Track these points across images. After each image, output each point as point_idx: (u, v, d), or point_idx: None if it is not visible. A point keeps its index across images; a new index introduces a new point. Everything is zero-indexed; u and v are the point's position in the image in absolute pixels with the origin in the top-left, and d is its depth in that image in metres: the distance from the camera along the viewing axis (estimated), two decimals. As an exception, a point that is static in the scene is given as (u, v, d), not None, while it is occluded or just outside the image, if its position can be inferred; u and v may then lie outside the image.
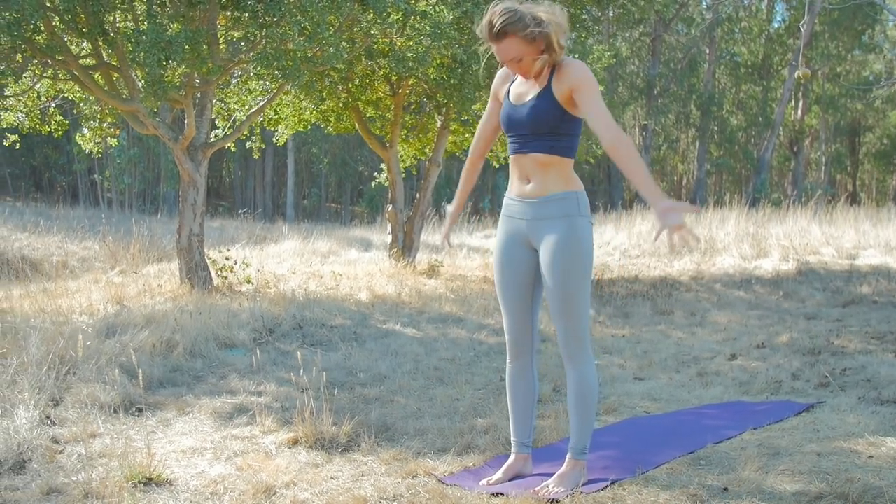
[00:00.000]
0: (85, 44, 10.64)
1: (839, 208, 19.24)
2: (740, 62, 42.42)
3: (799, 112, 41.70)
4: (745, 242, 15.86)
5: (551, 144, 3.98)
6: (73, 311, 9.28)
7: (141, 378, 5.16)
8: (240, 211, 27.58)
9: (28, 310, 9.26)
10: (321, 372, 6.24)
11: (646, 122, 39.34)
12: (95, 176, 36.98)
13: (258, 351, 7.59)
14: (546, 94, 3.96)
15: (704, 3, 41.74)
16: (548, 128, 3.96)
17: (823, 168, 46.28)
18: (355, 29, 11.11)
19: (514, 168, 4.14)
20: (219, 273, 11.34)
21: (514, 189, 4.15)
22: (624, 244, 17.92)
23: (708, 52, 40.36)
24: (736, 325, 10.00)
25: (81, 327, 7.79)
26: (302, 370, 6.32)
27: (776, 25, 41.38)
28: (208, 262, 11.33)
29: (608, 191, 41.63)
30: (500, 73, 4.28)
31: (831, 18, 36.74)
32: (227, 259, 11.49)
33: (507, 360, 4.35)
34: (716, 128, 41.60)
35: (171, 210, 32.33)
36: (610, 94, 36.43)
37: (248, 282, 11.43)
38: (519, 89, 4.10)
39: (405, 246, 14.02)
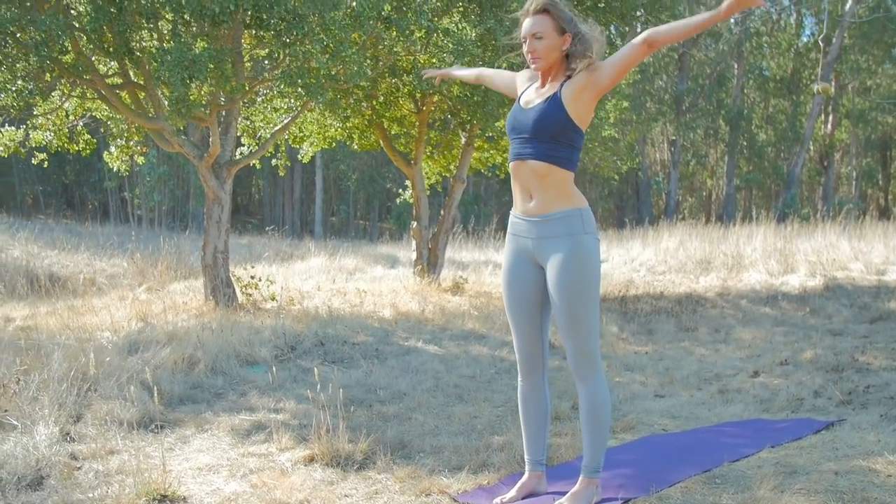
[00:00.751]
0: (112, 63, 10.75)
1: (869, 223, 19.08)
2: (769, 77, 42.23)
3: (829, 126, 41.44)
4: (773, 258, 15.76)
5: (549, 153, 3.99)
6: (97, 328, 9.36)
7: (156, 395, 5.21)
8: (267, 228, 27.68)
9: (53, 327, 9.34)
10: (340, 389, 6.26)
11: (674, 138, 39.21)
12: (125, 194, 37.30)
13: (279, 368, 7.62)
14: (554, 100, 4.01)
15: (732, 19, 41.61)
16: (549, 133, 3.99)
17: (854, 183, 45.94)
18: (379, 47, 11.17)
19: (514, 182, 4.17)
20: (243, 290, 11.40)
21: (518, 207, 4.18)
22: (650, 260, 17.85)
23: (736, 66, 40.22)
24: (760, 342, 9.93)
25: (104, 344, 7.85)
26: (318, 387, 6.35)
27: (805, 40, 41.18)
28: (233, 279, 11.39)
29: (637, 206, 41.52)
30: (523, 70, 4.39)
31: (861, 32, 36.52)
32: (251, 276, 11.55)
33: (519, 379, 4.35)
34: (745, 143, 41.40)
35: (199, 227, 32.53)
36: (638, 110, 36.36)
37: (273, 299, 11.48)
38: (530, 96, 4.17)
39: (430, 263, 14.03)
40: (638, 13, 13.67)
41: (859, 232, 18.28)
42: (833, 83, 39.05)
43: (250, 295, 11.38)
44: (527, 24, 4.06)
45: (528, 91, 4.23)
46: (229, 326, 8.93)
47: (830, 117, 41.41)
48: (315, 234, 37.55)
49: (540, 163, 4.01)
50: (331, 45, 9.69)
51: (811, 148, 41.55)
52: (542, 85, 4.14)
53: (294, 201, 44.67)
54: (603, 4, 13.16)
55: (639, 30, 14.64)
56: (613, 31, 15.05)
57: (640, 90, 37.11)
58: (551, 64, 4.07)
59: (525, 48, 4.08)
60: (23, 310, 11.33)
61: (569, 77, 4.03)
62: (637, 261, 18.17)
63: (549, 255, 4.05)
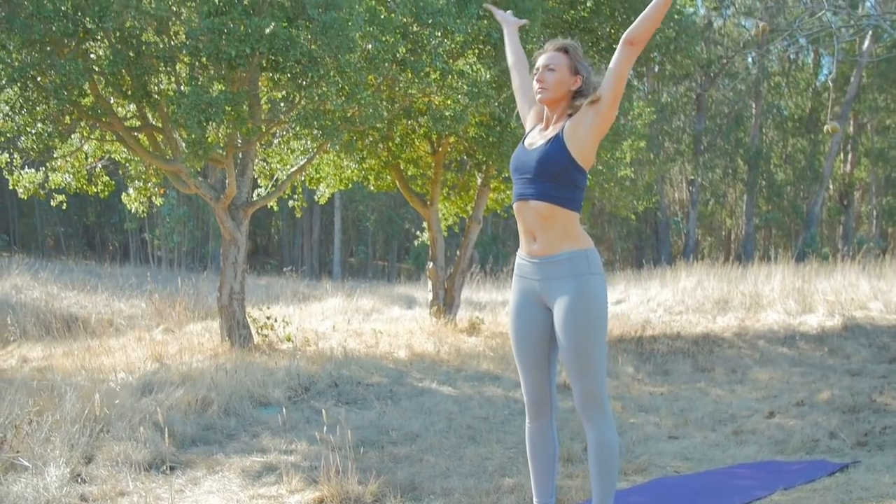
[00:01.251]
0: (130, 105, 10.87)
1: (889, 262, 18.95)
2: (787, 116, 42.21)
3: (848, 165, 41.32)
4: (791, 298, 15.67)
5: (551, 193, 4.01)
6: (113, 368, 9.40)
7: (167, 436, 5.22)
8: (284, 269, 27.76)
9: (69, 367, 9.39)
10: (353, 430, 6.26)
11: (692, 177, 39.17)
12: (146, 235, 37.51)
13: (293, 409, 7.62)
14: (556, 140, 4.03)
15: (750, 59, 41.74)
16: (551, 173, 4.01)
17: (874, 221, 45.70)
18: (395, 88, 11.25)
19: (519, 223, 4.20)
20: (259, 331, 11.42)
21: (524, 248, 4.20)
22: (668, 300, 17.77)
23: (754, 106, 40.21)
24: (777, 383, 9.87)
25: (118, 385, 7.87)
26: (326, 428, 6.34)
27: (822, 79, 41.19)
28: (249, 320, 11.42)
29: (655, 246, 41.41)
30: (534, 109, 4.40)
31: (879, 71, 36.49)
32: (267, 317, 11.58)
33: (527, 421, 4.33)
34: (764, 182, 41.32)
35: (218, 268, 32.57)
36: (656, 150, 36.39)
37: (289, 340, 11.50)
38: (534, 138, 4.21)
39: (446, 303, 14.03)
40: (653, 54, 13.74)
41: (879, 271, 18.15)
42: (852, 122, 39.04)
43: (266, 336, 11.41)
44: (542, 58, 4.16)
45: (533, 133, 4.27)
46: (244, 367, 8.94)
47: (850, 156, 41.29)
48: (333, 274, 37.61)
49: (542, 203, 4.03)
50: (346, 87, 9.78)
51: (831, 187, 41.42)
52: (546, 127, 4.19)
53: (313, 242, 44.80)
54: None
55: (656, 70, 14.71)
56: (630, 73, 15.13)
57: (657, 130, 37.15)
58: (557, 98, 4.11)
59: (535, 78, 4.16)
60: (40, 350, 11.38)
61: (570, 115, 4.07)
62: (655, 301, 18.10)
63: (555, 297, 4.05)
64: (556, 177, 4.01)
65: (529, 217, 4.10)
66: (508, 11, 4.87)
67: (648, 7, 3.94)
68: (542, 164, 4.03)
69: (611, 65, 3.95)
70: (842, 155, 41.14)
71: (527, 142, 4.24)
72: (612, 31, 13.07)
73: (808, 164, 40.88)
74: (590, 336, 3.98)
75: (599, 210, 37.14)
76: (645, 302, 18.05)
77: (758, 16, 36.93)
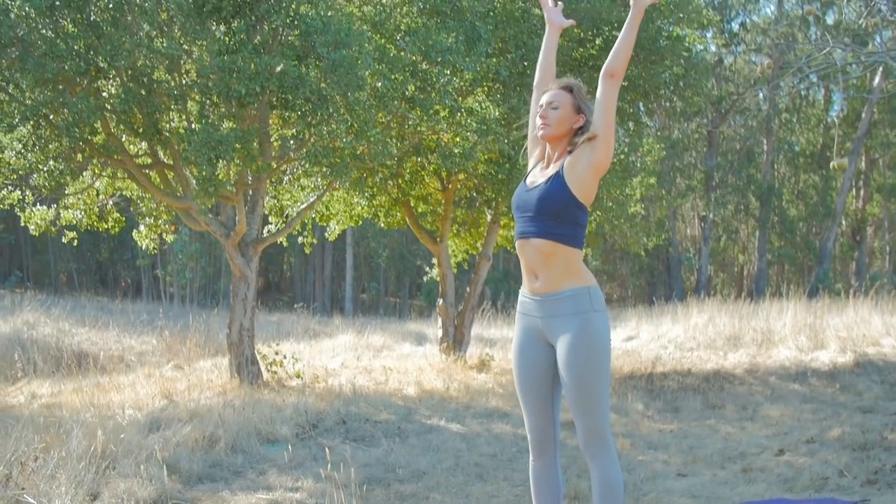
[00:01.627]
0: (142, 143, 10.95)
1: (901, 298, 18.85)
2: (799, 152, 42.21)
3: (860, 201, 41.26)
4: (803, 334, 15.59)
5: (553, 231, 4.03)
6: (121, 405, 9.40)
7: (172, 474, 5.20)
8: (295, 305, 27.78)
9: (78, 404, 9.40)
10: (360, 467, 6.24)
11: (704, 214, 39.16)
12: (158, 271, 37.63)
13: (301, 446, 7.61)
14: (557, 178, 4.07)
15: (761, 95, 41.82)
16: (552, 211, 4.03)
17: (888, 257, 45.54)
18: (405, 126, 11.31)
19: (521, 260, 4.21)
20: (268, 368, 11.43)
21: (526, 286, 4.20)
22: (679, 337, 17.72)
23: (765, 142, 40.24)
24: (788, 420, 9.80)
25: (126, 422, 7.88)
26: (329, 465, 6.33)
27: (833, 115, 41.20)
28: (258, 356, 11.43)
29: (668, 282, 41.32)
30: (540, 145, 4.37)
31: (890, 107, 36.50)
32: (276, 353, 11.58)
33: (531, 459, 4.31)
34: (776, 218, 41.26)
35: (229, 304, 32.66)
36: (668, 186, 36.43)
37: (298, 376, 11.50)
38: (535, 177, 4.23)
39: (456, 340, 14.01)
40: (662, 91, 13.78)
41: (892, 307, 18.06)
42: (863, 158, 39.03)
43: (275, 373, 11.41)
44: (546, 95, 4.20)
45: (534, 171, 4.30)
46: (252, 404, 8.94)
47: (862, 192, 41.24)
48: (345, 311, 37.62)
49: (544, 241, 4.05)
50: (355, 124, 9.84)
51: (843, 222, 41.32)
52: (547, 165, 4.22)
53: (325, 278, 44.86)
54: (627, 83, 13.29)
55: (668, 107, 14.74)
56: (641, 109, 15.19)
57: (669, 166, 37.19)
58: (559, 135, 4.15)
59: (538, 115, 4.19)
60: (49, 387, 11.40)
61: (570, 153, 4.10)
62: (666, 337, 18.05)
63: (558, 334, 4.06)
64: (557, 214, 4.03)
65: (531, 255, 4.11)
66: (560, 6, 4.60)
67: (619, 37, 4.03)
68: (542, 202, 4.06)
69: (597, 98, 4.01)
70: (854, 191, 41.10)
71: (528, 180, 4.26)
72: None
73: (821, 199, 40.84)
74: (593, 373, 3.99)
75: (611, 246, 37.15)
76: (656, 338, 18.01)
77: (767, 52, 37.05)
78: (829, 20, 35.24)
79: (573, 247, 4.06)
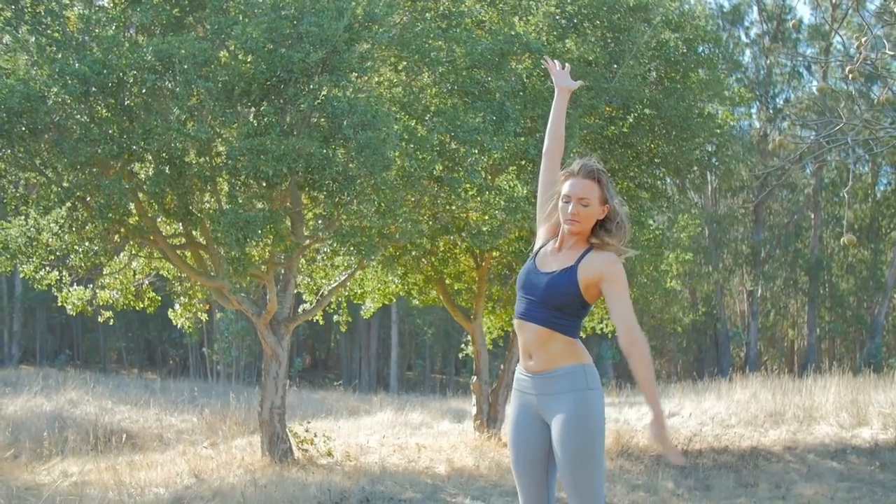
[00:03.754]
0: (178, 224, 11.16)
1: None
2: (847, 226, 41.83)
3: (912, 274, 40.68)
4: (845, 410, 15.31)
5: (553, 320, 4.02)
6: (151, 483, 9.47)
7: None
8: (335, 383, 27.87)
9: (108, 482, 9.48)
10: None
11: (751, 289, 38.83)
12: (205, 349, 37.94)
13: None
14: (569, 273, 4.03)
15: (808, 170, 41.66)
16: (557, 303, 4.02)
17: (943, 332, 44.70)
18: (436, 204, 11.42)
19: (518, 337, 4.19)
20: (299, 445, 11.46)
21: (522, 363, 4.20)
22: (721, 413, 17.46)
23: (813, 216, 39.98)
24: (821, 498, 9.62)
25: (148, 500, 7.93)
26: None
27: (881, 188, 40.86)
28: (289, 434, 11.47)
29: (717, 358, 40.85)
30: (551, 222, 4.29)
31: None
32: (306, 431, 11.62)
33: (525, 535, 4.28)
34: (826, 292, 40.78)
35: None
36: (714, 262, 36.23)
37: (329, 454, 11.51)
38: (548, 258, 4.16)
39: (490, 417, 13.96)
40: (694, 168, 13.83)
41: (941, 382, 17.68)
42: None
43: (306, 450, 11.43)
44: (575, 185, 4.07)
45: (545, 251, 4.21)
46: (277, 482, 8.98)
47: (913, 265, 40.69)
48: (391, 388, 37.61)
49: (543, 328, 4.05)
50: (382, 204, 9.96)
51: (895, 297, 40.71)
52: (560, 248, 4.14)
53: (370, 356, 44.94)
54: (659, 160, 13.37)
55: (709, 182, 14.75)
56: (669, 182, 15.22)
57: (716, 241, 37.03)
58: (585, 231, 4.09)
59: (568, 208, 4.06)
60: (84, 465, 11.50)
61: (589, 249, 4.06)
62: (708, 414, 17.79)
63: (552, 413, 4.06)
64: (561, 307, 4.03)
65: (529, 337, 4.11)
66: (566, 68, 4.65)
67: (644, 373, 3.97)
68: (550, 292, 4.04)
69: (613, 311, 4.03)
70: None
71: (538, 259, 4.20)
72: (653, 145, 13.20)
73: (871, 273, 40.36)
74: (587, 452, 3.97)
75: (658, 322, 36.83)
76: (698, 415, 17.76)
77: (812, 126, 36.94)
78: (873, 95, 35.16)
79: (571, 336, 4.06)
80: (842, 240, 6.24)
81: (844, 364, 20.96)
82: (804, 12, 56.70)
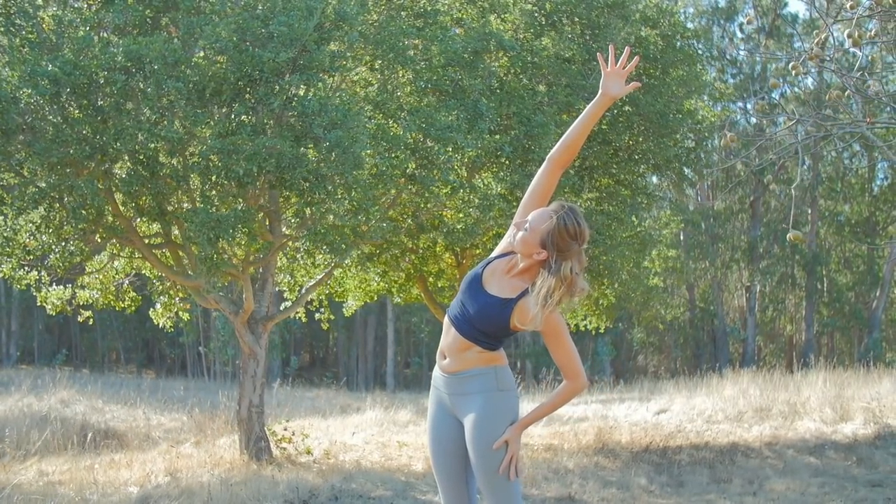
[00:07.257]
0: (155, 224, 11.21)
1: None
2: (844, 221, 41.81)
3: (910, 268, 40.66)
4: (829, 405, 15.33)
5: (478, 337, 4.01)
6: (125, 482, 9.52)
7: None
8: (325, 380, 27.91)
9: (84, 481, 9.53)
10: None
11: (748, 284, 38.85)
12: (201, 348, 38.00)
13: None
14: (505, 307, 3.96)
15: (806, 165, 41.64)
16: (484, 327, 3.99)
17: (941, 326, 44.66)
18: (413, 202, 11.45)
19: (443, 332, 4.18)
20: (278, 444, 11.51)
21: (438, 360, 4.20)
22: (708, 409, 17.48)
23: (810, 212, 39.97)
24: (792, 494, 9.65)
25: (115, 500, 7.99)
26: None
27: (878, 184, 40.85)
28: (268, 432, 11.52)
29: (714, 353, 40.84)
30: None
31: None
32: (285, 430, 11.67)
33: (447, 534, 4.25)
34: (823, 287, 40.79)
35: (269, 380, 32.82)
36: (711, 258, 36.25)
37: (308, 452, 11.55)
38: (496, 276, 4.06)
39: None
40: (673, 164, 13.86)
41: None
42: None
43: (284, 449, 11.48)
44: (536, 213, 3.96)
45: (499, 265, 4.10)
46: (248, 480, 9.02)
47: (910, 259, 40.67)
48: (387, 385, 37.65)
49: (465, 340, 4.04)
50: (354, 203, 10.01)
51: (894, 291, 40.66)
52: (509, 270, 4.03)
53: (367, 353, 45.01)
54: (638, 156, 13.42)
55: (674, 178, 14.81)
56: (655, 180, 15.27)
57: (713, 237, 37.04)
58: (523, 256, 3.95)
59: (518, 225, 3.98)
60: (63, 464, 11.55)
61: (533, 285, 3.91)
62: (696, 409, 17.80)
63: (464, 412, 4.07)
64: (488, 333, 4.01)
65: (450, 340, 4.10)
66: (628, 67, 4.08)
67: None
68: (482, 315, 3.98)
69: (558, 361, 3.98)
70: (901, 258, 40.51)
71: (487, 271, 4.09)
72: (631, 142, 13.24)
73: (868, 268, 40.38)
74: (498, 452, 3.97)
75: (642, 318, 36.75)
76: (686, 411, 17.78)
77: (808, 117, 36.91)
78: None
79: (490, 350, 4.04)
80: (788, 236, 6.26)
81: (843, 359, 20.90)
82: (799, 7, 56.72)
